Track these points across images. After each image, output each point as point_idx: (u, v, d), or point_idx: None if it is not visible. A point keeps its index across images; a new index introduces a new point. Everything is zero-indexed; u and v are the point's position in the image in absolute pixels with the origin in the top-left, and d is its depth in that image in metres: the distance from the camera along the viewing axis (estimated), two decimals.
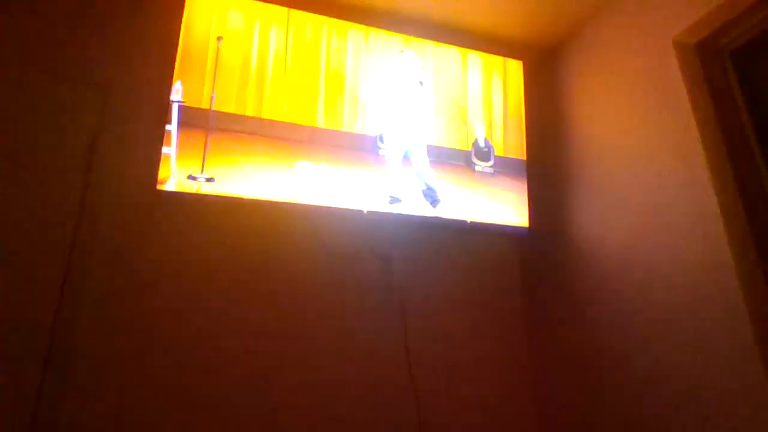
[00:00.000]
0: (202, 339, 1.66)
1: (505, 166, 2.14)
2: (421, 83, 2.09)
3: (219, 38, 1.87)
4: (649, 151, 1.68)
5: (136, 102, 1.80)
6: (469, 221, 1.98)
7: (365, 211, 1.85)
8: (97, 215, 1.63)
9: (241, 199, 1.73)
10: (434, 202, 1.96)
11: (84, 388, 1.50)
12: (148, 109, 1.79)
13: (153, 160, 1.69)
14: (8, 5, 1.70)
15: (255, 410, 1.65)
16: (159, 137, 1.70)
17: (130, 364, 1.57)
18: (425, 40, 2.18)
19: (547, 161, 2.23)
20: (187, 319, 1.67)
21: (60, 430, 1.44)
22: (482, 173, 2.09)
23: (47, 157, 1.60)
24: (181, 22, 1.83)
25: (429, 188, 1.97)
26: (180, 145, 1.71)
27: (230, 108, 1.81)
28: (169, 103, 1.73)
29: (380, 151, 1.96)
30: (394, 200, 1.92)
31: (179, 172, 1.68)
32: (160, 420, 1.56)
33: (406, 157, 1.99)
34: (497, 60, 2.28)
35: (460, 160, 2.08)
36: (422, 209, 1.95)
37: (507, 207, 2.07)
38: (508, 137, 2.19)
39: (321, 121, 1.91)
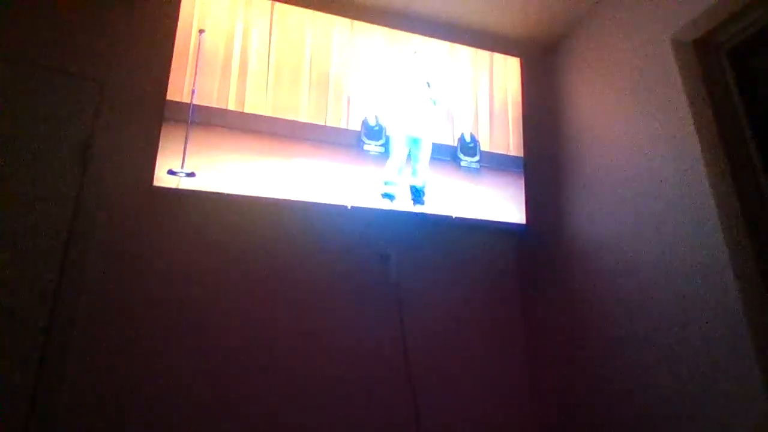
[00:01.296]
0: (198, 333, 1.66)
1: (491, 162, 2.13)
2: (428, 84, 2.09)
3: (201, 31, 1.84)
4: (646, 149, 1.68)
5: (132, 97, 1.79)
6: (454, 216, 1.98)
7: (349, 207, 1.84)
8: (93, 210, 1.63)
9: (238, 196, 1.71)
10: (417, 201, 1.96)
11: (80, 383, 1.50)
12: (144, 105, 1.78)
13: (149, 155, 1.68)
14: (4, 1, 1.68)
15: (249, 404, 1.64)
16: (155, 133, 1.69)
17: (126, 359, 1.56)
18: (416, 35, 2.16)
19: (544, 158, 2.22)
20: (182, 314, 1.66)
21: (57, 424, 1.45)
22: (468, 169, 2.08)
23: (43, 151, 1.59)
24: (177, 17, 1.81)
25: (421, 187, 1.97)
26: (160, 140, 1.68)
27: (212, 102, 1.79)
28: (165, 98, 1.72)
29: (365, 147, 1.94)
30: (387, 196, 1.91)
31: (159, 166, 1.66)
32: (156, 413, 1.55)
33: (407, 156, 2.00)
34: (484, 55, 2.26)
35: (446, 155, 2.07)
36: (410, 206, 1.94)
37: (495, 203, 2.07)
38: (495, 133, 2.18)
39: (304, 116, 1.89)
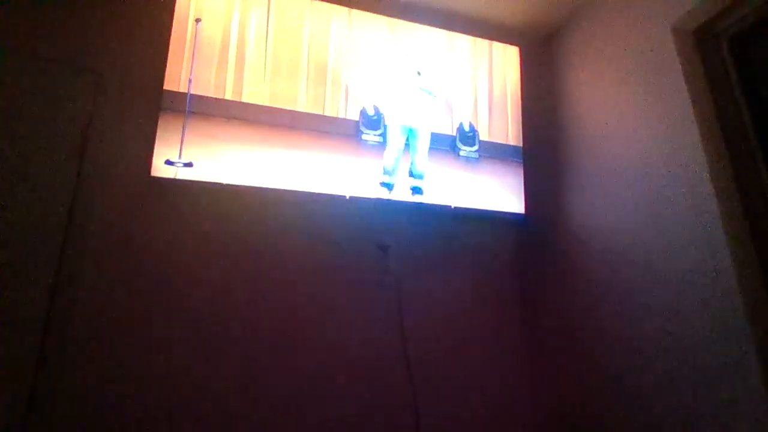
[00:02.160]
0: (195, 324, 1.66)
1: (490, 151, 2.12)
2: (418, 73, 2.07)
3: (198, 20, 1.83)
4: (646, 138, 1.67)
5: (130, 87, 1.78)
6: (452, 206, 1.97)
7: (347, 197, 1.84)
8: (91, 201, 1.63)
9: (235, 186, 1.71)
10: (416, 191, 1.95)
11: (80, 374, 1.51)
12: (142, 95, 1.78)
13: (147, 145, 1.67)
14: None
15: (247, 400, 1.65)
16: (152, 123, 1.69)
17: (125, 351, 1.57)
18: (415, 24, 2.15)
19: (543, 147, 2.21)
20: (180, 304, 1.67)
21: (57, 420, 1.45)
22: (467, 158, 2.07)
23: (41, 142, 1.58)
24: (174, 6, 1.80)
25: (419, 176, 1.96)
26: (158, 130, 1.68)
27: (209, 91, 1.78)
28: (162, 88, 1.71)
29: (363, 136, 1.93)
30: (385, 185, 1.90)
31: (157, 156, 1.66)
32: (154, 405, 1.56)
33: (405, 145, 1.99)
34: (483, 44, 2.25)
35: (445, 145, 2.06)
36: (409, 196, 1.94)
37: (494, 192, 2.06)
38: (494, 122, 2.17)
39: (302, 105, 1.89)
